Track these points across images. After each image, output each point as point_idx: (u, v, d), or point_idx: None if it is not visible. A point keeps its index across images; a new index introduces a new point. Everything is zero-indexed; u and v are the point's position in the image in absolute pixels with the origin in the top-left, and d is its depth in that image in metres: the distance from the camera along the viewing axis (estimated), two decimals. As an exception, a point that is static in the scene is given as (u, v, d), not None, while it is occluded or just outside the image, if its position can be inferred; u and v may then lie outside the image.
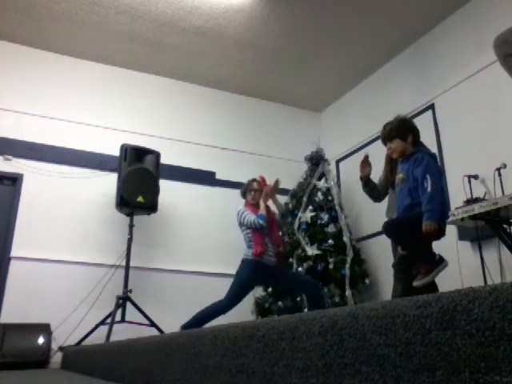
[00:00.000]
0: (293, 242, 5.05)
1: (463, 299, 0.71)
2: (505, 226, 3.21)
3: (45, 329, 4.24)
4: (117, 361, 2.42)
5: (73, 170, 4.94)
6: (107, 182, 4.93)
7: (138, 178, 4.60)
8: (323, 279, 4.60)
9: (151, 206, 4.67)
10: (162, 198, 4.84)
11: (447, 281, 3.16)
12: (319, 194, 5.26)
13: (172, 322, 3.80)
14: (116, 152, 4.79)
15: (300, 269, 4.81)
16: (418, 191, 2.60)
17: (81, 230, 4.78)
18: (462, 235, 3.98)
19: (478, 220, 3.19)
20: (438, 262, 2.57)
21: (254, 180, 4.01)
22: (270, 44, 5.15)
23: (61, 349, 4.29)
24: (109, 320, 4.16)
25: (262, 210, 3.76)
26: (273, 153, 6.03)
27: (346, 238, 4.97)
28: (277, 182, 3.94)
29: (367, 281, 4.95)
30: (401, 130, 2.77)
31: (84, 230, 4.80)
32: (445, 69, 4.68)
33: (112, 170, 4.92)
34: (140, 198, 4.54)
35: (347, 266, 4.79)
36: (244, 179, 5.49)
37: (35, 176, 4.76)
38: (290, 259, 4.91)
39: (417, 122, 3.00)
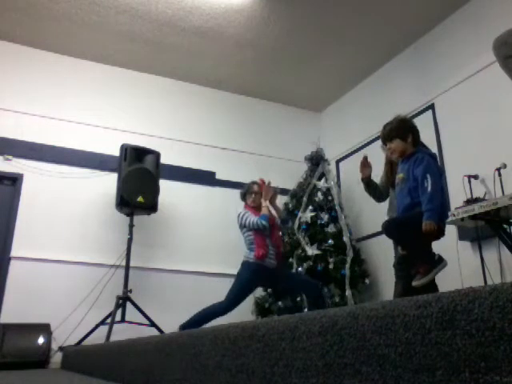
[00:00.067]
0: (293, 242, 5.05)
1: (463, 299, 0.71)
2: (505, 225, 3.21)
3: (45, 329, 4.24)
4: (117, 361, 2.42)
5: (73, 170, 4.94)
6: (107, 182, 4.93)
7: (138, 178, 4.60)
8: (323, 279, 4.60)
9: (151, 206, 4.67)
10: (162, 198, 4.84)
11: (447, 281, 3.17)
12: (319, 193, 5.26)
13: (172, 322, 3.79)
14: (116, 152, 4.79)
15: (300, 269, 4.81)
16: (418, 191, 2.60)
17: (81, 230, 4.79)
18: (462, 235, 3.98)
19: (478, 220, 3.19)
20: (437, 262, 2.57)
21: (254, 183, 4.00)
22: (270, 44, 5.15)
23: (61, 349, 4.29)
24: (109, 320, 4.16)
25: (264, 211, 3.75)
26: (273, 153, 6.03)
27: (346, 238, 4.97)
28: (275, 193, 3.95)
29: (367, 281, 4.95)
30: (401, 130, 2.77)
31: (84, 230, 4.80)
32: (445, 69, 4.68)
33: (112, 169, 4.92)
34: (140, 198, 4.54)
35: (347, 265, 4.79)
36: (244, 179, 5.51)
37: (35, 176, 4.76)
38: (290, 259, 4.91)
39: (417, 121, 2.99)
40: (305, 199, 5.25)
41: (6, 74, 4.93)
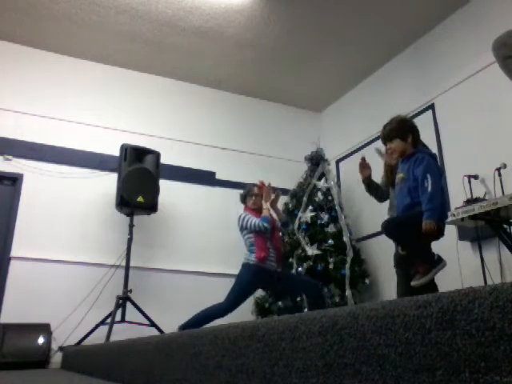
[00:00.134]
0: (293, 242, 5.05)
1: (463, 299, 0.71)
2: (505, 225, 3.21)
3: (45, 329, 4.24)
4: (117, 361, 2.42)
5: (73, 170, 4.94)
6: (107, 182, 4.93)
7: (138, 178, 4.60)
8: (323, 279, 4.60)
9: (151, 206, 4.67)
10: (162, 198, 4.84)
11: (447, 281, 3.17)
12: (319, 194, 5.26)
13: (172, 322, 3.79)
14: (116, 152, 4.79)
15: (300, 269, 4.81)
16: (418, 191, 2.60)
17: (81, 230, 4.79)
18: (462, 235, 3.98)
19: (478, 220, 3.19)
20: (437, 262, 2.57)
21: (254, 185, 4.00)
22: (270, 44, 5.15)
23: (61, 349, 4.29)
24: (109, 320, 4.16)
25: (266, 212, 3.74)
26: (273, 153, 6.03)
27: (346, 238, 4.97)
28: (277, 196, 3.95)
29: (367, 281, 4.95)
30: (401, 130, 2.77)
31: (84, 229, 4.80)
32: (445, 69, 4.68)
33: (112, 169, 4.92)
34: (140, 198, 4.54)
35: (347, 265, 4.79)
36: (244, 179, 5.52)
37: (35, 176, 4.76)
38: (290, 259, 4.91)
39: (417, 121, 2.99)
40: (305, 199, 5.25)
41: (5, 74, 4.93)
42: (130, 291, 4.35)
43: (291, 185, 5.54)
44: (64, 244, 4.68)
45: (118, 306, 4.25)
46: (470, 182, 3.97)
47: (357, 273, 4.89)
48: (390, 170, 3.20)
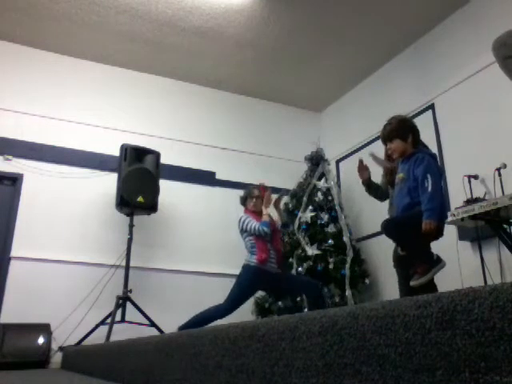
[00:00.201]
0: (293, 242, 5.05)
1: (463, 299, 0.71)
2: (505, 225, 3.21)
3: (45, 329, 4.24)
4: (117, 361, 2.42)
5: (73, 170, 4.94)
6: (107, 182, 4.93)
7: (138, 178, 4.60)
8: (323, 279, 4.60)
9: (151, 206, 4.67)
10: (162, 198, 4.84)
11: (447, 281, 3.17)
12: (319, 194, 5.26)
13: (172, 322, 3.79)
14: (116, 152, 4.79)
15: (300, 269, 4.81)
16: (418, 191, 2.60)
17: (81, 230, 4.79)
18: (462, 235, 3.98)
19: (478, 220, 3.19)
20: (436, 262, 2.57)
21: (254, 187, 4.00)
22: (270, 44, 5.15)
23: (61, 349, 4.29)
24: (109, 320, 4.16)
25: (265, 217, 3.74)
26: (273, 153, 6.03)
27: (346, 238, 4.97)
28: (279, 198, 3.96)
29: (367, 281, 4.95)
30: (401, 131, 2.77)
31: (84, 230, 4.80)
32: (445, 69, 4.68)
33: (112, 169, 4.92)
34: (140, 198, 4.54)
35: (347, 265, 4.79)
36: (244, 179, 5.53)
37: (35, 176, 4.76)
38: (290, 259, 4.91)
39: (417, 121, 2.99)
40: (305, 199, 5.25)
41: (5, 74, 4.93)
42: (130, 291, 4.35)
43: (291, 185, 5.54)
44: (64, 244, 4.68)
45: (117, 305, 4.25)
46: (470, 181, 3.97)
47: (357, 273, 4.89)
48: (390, 172, 3.20)
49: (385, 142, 2.86)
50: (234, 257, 4.53)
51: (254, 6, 4.57)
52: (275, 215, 3.95)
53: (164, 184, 4.92)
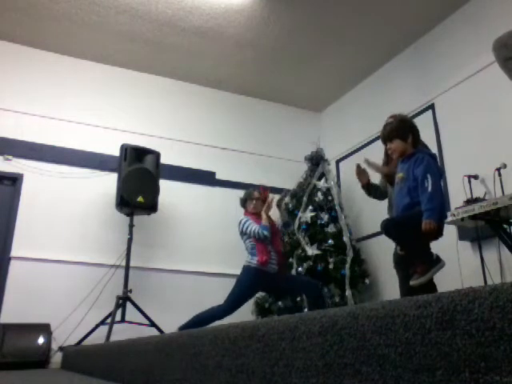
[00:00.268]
0: (293, 242, 5.05)
1: (463, 299, 0.71)
2: (505, 225, 3.21)
3: (45, 329, 4.24)
4: (117, 361, 2.42)
5: (73, 170, 4.94)
6: (107, 182, 4.93)
7: (138, 178, 4.60)
8: (323, 279, 4.60)
9: (151, 206, 4.67)
10: (162, 198, 4.84)
11: (447, 281, 3.17)
12: (319, 194, 5.26)
13: (172, 322, 3.79)
14: (116, 152, 4.79)
15: (300, 269, 4.81)
16: (418, 191, 2.60)
17: (81, 230, 4.79)
18: (462, 235, 3.98)
19: (478, 220, 3.19)
20: (435, 262, 2.57)
21: (254, 189, 4.00)
22: (270, 44, 5.15)
23: (61, 349, 4.29)
24: (109, 320, 4.16)
25: (265, 221, 3.74)
26: (273, 153, 6.03)
27: (346, 238, 4.97)
28: (282, 198, 3.97)
29: (367, 281, 4.95)
30: (401, 131, 2.77)
31: (84, 230, 4.80)
32: (445, 69, 4.68)
33: (112, 169, 4.92)
34: (140, 198, 4.54)
35: (347, 265, 4.79)
36: (244, 179, 5.53)
37: (35, 176, 4.76)
38: (290, 259, 4.91)
39: (417, 121, 2.99)
40: (305, 199, 5.25)
41: (5, 74, 4.93)
42: (130, 291, 4.35)
43: (291, 185, 5.54)
44: (64, 244, 4.68)
45: (117, 306, 4.25)
46: (470, 181, 3.97)
47: (357, 273, 4.89)
48: (387, 176, 3.21)
49: (385, 141, 2.86)
50: (234, 257, 4.54)
51: (253, 6, 4.57)
52: (276, 215, 3.95)
53: (164, 184, 4.92)
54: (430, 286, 2.71)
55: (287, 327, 1.09)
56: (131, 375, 2.11)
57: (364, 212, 5.31)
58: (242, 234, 3.78)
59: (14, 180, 4.73)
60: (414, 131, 2.79)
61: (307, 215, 5.11)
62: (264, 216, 3.77)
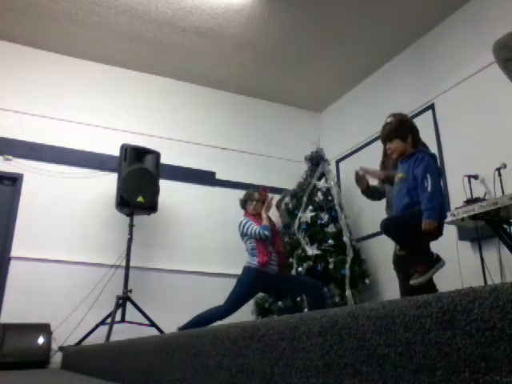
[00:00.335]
0: (293, 242, 5.05)
1: (463, 299, 0.71)
2: (505, 225, 3.21)
3: (45, 329, 4.24)
4: (117, 361, 2.42)
5: (73, 170, 4.94)
6: (107, 182, 4.93)
7: (138, 178, 4.60)
8: (323, 279, 4.60)
9: (151, 206, 4.67)
10: (162, 198, 4.84)
11: (447, 281, 3.16)
12: (319, 194, 5.26)
13: (172, 322, 3.79)
14: (116, 152, 4.79)
15: (300, 269, 4.81)
16: (417, 190, 2.60)
17: (81, 230, 4.79)
18: (462, 235, 3.98)
19: (478, 220, 3.19)
20: (435, 262, 2.57)
21: (254, 190, 3.99)
22: (270, 44, 5.15)
23: (61, 349, 4.29)
24: (109, 320, 4.16)
25: (266, 221, 3.74)
26: (273, 153, 6.03)
27: (346, 238, 4.97)
28: (281, 199, 3.95)
29: (367, 281, 4.95)
30: (400, 131, 2.77)
31: (84, 230, 4.80)
32: (445, 69, 4.68)
33: (112, 169, 4.92)
34: (140, 198, 4.54)
35: (347, 265, 4.79)
36: (244, 179, 5.53)
37: (35, 176, 4.76)
38: (290, 259, 4.91)
39: (417, 122, 3.00)
40: (305, 199, 5.25)
41: (5, 74, 4.93)
42: (130, 291, 4.35)
43: (291, 185, 5.54)
44: (64, 244, 4.68)
45: (117, 306, 4.25)
46: (470, 181, 3.97)
47: (357, 273, 4.89)
48: (386, 178, 3.22)
49: (384, 141, 2.86)
50: (234, 257, 4.54)
51: (253, 6, 4.57)
52: (276, 216, 3.95)
53: (164, 184, 4.92)
54: (430, 286, 2.71)
55: (287, 327, 1.09)
56: (131, 375, 2.11)
57: (364, 212, 5.31)
58: (243, 235, 3.77)
59: (14, 180, 4.73)
60: (413, 131, 2.79)
61: (307, 215, 5.11)
62: (264, 216, 3.77)
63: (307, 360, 0.99)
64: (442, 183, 2.75)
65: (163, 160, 4.92)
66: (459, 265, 3.68)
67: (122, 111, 5.37)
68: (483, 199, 3.32)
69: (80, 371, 3.24)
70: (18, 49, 5.07)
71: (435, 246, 2.72)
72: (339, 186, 5.71)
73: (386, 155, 3.19)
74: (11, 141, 4.75)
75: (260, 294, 4.91)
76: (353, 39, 5.05)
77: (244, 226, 3.74)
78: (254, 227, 3.68)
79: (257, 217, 3.82)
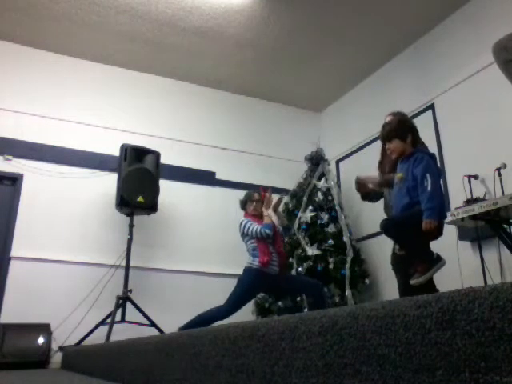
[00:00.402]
0: (293, 242, 5.05)
1: (463, 299, 0.71)
2: (505, 225, 3.21)
3: (45, 329, 4.24)
4: (117, 361, 2.42)
5: (73, 170, 4.94)
6: (107, 182, 4.93)
7: (138, 178, 4.60)
8: (323, 279, 4.60)
9: (151, 206, 4.67)
10: (162, 198, 4.84)
11: (447, 281, 3.17)
12: (319, 194, 5.26)
13: (172, 322, 3.79)
14: (116, 152, 4.79)
15: (300, 269, 4.81)
16: (417, 190, 2.60)
17: (81, 230, 4.79)
18: (462, 235, 3.98)
19: (478, 220, 3.19)
20: (435, 261, 2.57)
21: (255, 191, 3.99)
22: (270, 44, 5.15)
23: (61, 349, 4.29)
24: (109, 320, 4.16)
25: (267, 219, 3.73)
26: (273, 153, 6.03)
27: (346, 238, 4.97)
28: (279, 200, 3.93)
29: (367, 281, 4.95)
30: (400, 131, 2.77)
31: (84, 230, 4.80)
32: (445, 69, 4.68)
33: (112, 169, 4.92)
34: (140, 198, 4.54)
35: (347, 265, 4.79)
36: (244, 179, 5.53)
37: (35, 176, 4.76)
38: (290, 259, 4.91)
39: (417, 122, 3.00)
40: (305, 199, 5.25)
41: (5, 74, 4.93)
42: (130, 291, 4.35)
43: (291, 185, 5.54)
44: (64, 244, 4.68)
45: (117, 306, 4.25)
46: (470, 181, 3.97)
47: (357, 273, 4.89)
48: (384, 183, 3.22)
49: (384, 141, 2.86)
50: (234, 257, 4.54)
51: (253, 6, 4.57)
52: (275, 219, 3.93)
53: (164, 184, 4.92)
54: (430, 286, 2.71)
55: (287, 327, 1.09)
56: (131, 375, 2.11)
57: (364, 212, 5.31)
58: (244, 235, 3.76)
59: (14, 180, 4.73)
60: (413, 131, 2.80)
61: (307, 215, 5.11)
62: (265, 213, 3.76)
63: (307, 360, 0.99)
64: (441, 183, 2.76)
65: (163, 160, 4.92)
66: (459, 265, 3.68)
67: (122, 111, 5.38)
68: (483, 199, 3.32)
69: (80, 371, 3.24)
70: (17, 49, 5.07)
71: (435, 246, 2.72)
72: (339, 186, 5.71)
73: (383, 155, 3.20)
74: (11, 141, 4.75)
75: (260, 294, 4.91)
76: (353, 39, 5.05)
77: (245, 226, 3.73)
78: (255, 226, 3.68)
79: (257, 217, 3.82)
